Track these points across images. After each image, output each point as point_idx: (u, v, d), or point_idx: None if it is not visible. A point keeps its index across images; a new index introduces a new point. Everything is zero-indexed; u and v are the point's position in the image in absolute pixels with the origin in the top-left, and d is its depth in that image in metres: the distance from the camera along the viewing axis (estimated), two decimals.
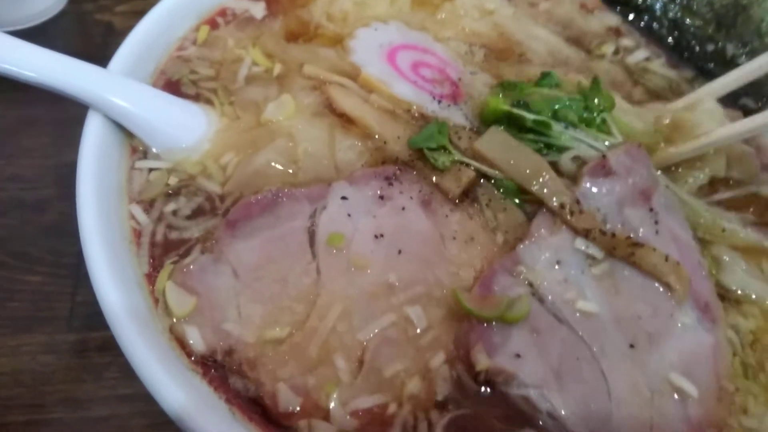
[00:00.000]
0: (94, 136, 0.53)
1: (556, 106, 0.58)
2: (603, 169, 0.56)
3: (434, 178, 0.57)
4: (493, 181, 0.57)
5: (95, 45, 0.99)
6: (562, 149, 0.57)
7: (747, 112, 0.76)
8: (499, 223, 0.56)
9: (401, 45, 0.72)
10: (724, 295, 0.58)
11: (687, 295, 0.52)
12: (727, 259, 0.60)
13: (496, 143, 0.56)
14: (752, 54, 0.77)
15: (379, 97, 0.64)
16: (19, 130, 0.88)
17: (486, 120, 0.62)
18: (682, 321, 0.51)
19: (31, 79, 0.53)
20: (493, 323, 0.48)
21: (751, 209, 0.65)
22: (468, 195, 0.58)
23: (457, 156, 0.57)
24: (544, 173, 0.54)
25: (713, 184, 0.64)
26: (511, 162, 0.55)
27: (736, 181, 0.66)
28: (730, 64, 0.77)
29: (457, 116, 0.65)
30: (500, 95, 0.59)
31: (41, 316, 0.72)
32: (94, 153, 0.52)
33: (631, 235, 0.54)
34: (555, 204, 0.54)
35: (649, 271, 0.53)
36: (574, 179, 0.57)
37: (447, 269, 0.53)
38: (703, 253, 0.60)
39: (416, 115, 0.64)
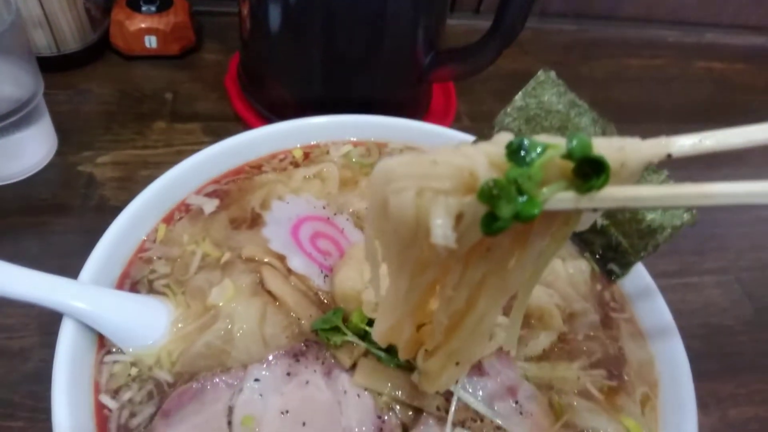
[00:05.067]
0: (67, 339, 0.66)
1: None
2: (478, 371, 0.71)
3: (333, 351, 0.71)
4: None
5: (78, 195, 1.16)
6: None
7: (612, 279, 0.94)
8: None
9: (306, 217, 0.88)
10: None
11: None
12: (576, 404, 0.73)
13: (369, 373, 0.69)
14: (617, 225, 0.94)
15: (296, 278, 0.80)
16: None
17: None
18: None
19: (3, 296, 0.65)
20: None
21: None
22: None
23: (349, 336, 0.71)
24: (411, 390, 0.67)
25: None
26: (388, 385, 0.68)
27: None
28: (600, 232, 0.96)
29: None
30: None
31: None
32: (68, 352, 0.65)
33: (498, 422, 0.67)
34: (432, 409, 0.67)
35: None
36: None
37: None
38: (559, 402, 0.75)
39: (311, 293, 0.78)
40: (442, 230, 0.38)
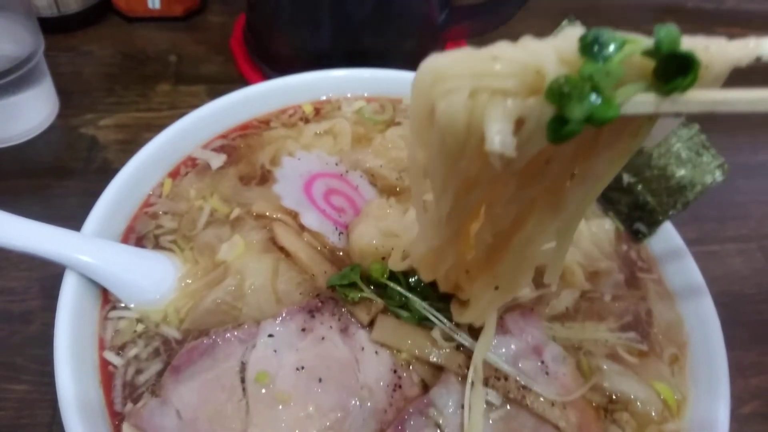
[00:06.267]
0: (70, 293, 0.62)
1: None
2: (501, 329, 0.66)
3: (349, 308, 0.67)
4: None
5: (80, 158, 1.11)
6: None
7: (638, 238, 0.88)
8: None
9: (319, 173, 0.83)
10: (610, 401, 0.67)
11: None
12: (605, 367, 0.69)
13: (389, 330, 0.65)
14: (644, 183, 0.91)
15: (309, 234, 0.75)
16: None
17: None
18: None
19: (4, 246, 0.61)
20: None
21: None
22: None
23: (367, 292, 0.67)
24: (432, 347, 0.64)
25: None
26: (408, 342, 0.64)
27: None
28: (626, 190, 0.91)
29: None
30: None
31: (23, 424, 0.79)
32: (71, 307, 0.61)
33: (522, 381, 0.63)
34: (453, 366, 0.63)
35: (540, 414, 0.61)
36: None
37: (359, 393, 0.61)
38: (588, 364, 0.71)
39: (325, 250, 0.74)
40: (500, 136, 0.33)
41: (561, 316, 0.74)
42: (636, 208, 0.88)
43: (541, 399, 0.63)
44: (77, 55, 1.32)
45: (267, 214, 0.78)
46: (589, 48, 0.33)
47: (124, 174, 0.74)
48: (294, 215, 0.78)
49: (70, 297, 0.63)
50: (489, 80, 0.34)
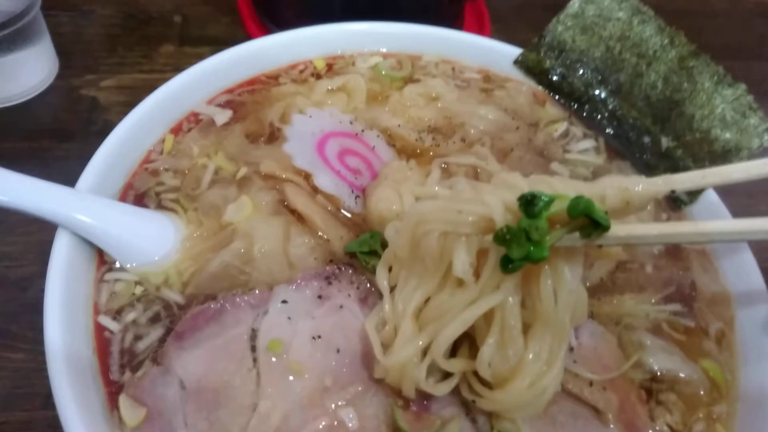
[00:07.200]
0: (62, 254, 0.56)
1: None
2: None
3: (369, 276, 0.61)
4: None
5: (81, 119, 1.05)
6: None
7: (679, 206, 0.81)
8: None
9: (332, 132, 0.76)
10: (654, 379, 0.61)
11: (615, 421, 0.55)
12: (648, 342, 0.63)
13: None
14: (685, 147, 0.83)
15: (323, 197, 0.68)
16: (3, 209, 0.95)
17: None
18: None
19: None
20: None
21: None
22: None
23: None
24: None
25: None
26: None
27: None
28: (664, 155, 0.84)
29: None
30: None
31: (20, 393, 0.75)
32: (63, 268, 0.55)
33: None
34: None
35: (576, 395, 0.56)
36: None
37: None
38: (630, 339, 0.66)
39: (340, 214, 0.68)
40: (461, 265, 0.48)
41: (597, 289, 0.67)
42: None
43: (578, 379, 0.57)
44: (78, 14, 1.24)
45: (277, 174, 0.71)
46: (525, 206, 0.45)
47: (122, 128, 0.68)
48: (306, 176, 0.71)
49: (62, 258, 0.57)
50: (454, 226, 0.49)
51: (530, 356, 0.49)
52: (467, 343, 0.54)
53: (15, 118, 1.05)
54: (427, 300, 0.53)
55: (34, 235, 0.90)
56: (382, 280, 0.56)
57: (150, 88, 1.12)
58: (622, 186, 0.47)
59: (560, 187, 0.51)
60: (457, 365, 0.52)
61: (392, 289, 0.56)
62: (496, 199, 0.48)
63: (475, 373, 0.52)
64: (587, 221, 0.45)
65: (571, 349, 0.58)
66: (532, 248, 0.44)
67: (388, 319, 0.54)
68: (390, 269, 0.58)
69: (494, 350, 0.49)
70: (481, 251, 0.49)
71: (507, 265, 0.46)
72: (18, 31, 1.00)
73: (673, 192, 0.51)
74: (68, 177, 0.66)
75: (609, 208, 0.47)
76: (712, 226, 0.48)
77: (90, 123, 1.05)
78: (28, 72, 1.08)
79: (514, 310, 0.48)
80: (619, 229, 0.46)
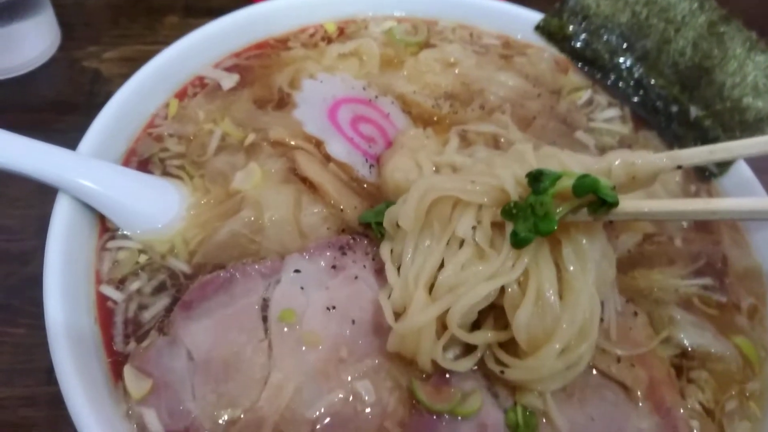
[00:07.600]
0: (62, 220, 0.53)
1: None
2: None
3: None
4: None
5: (83, 92, 1.02)
6: None
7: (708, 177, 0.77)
8: None
9: (344, 98, 0.72)
10: (684, 356, 0.58)
11: (644, 398, 0.52)
12: (679, 317, 0.59)
13: None
14: (715, 116, 0.79)
15: (335, 165, 0.65)
16: (3, 180, 0.92)
17: None
18: (639, 426, 0.50)
19: None
20: (444, 415, 0.48)
21: None
22: None
23: None
24: None
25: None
26: None
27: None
28: (693, 125, 0.80)
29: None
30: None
31: (21, 369, 0.72)
32: (63, 235, 0.53)
33: None
34: None
35: (603, 371, 0.53)
36: None
37: None
38: (660, 314, 0.63)
39: (354, 183, 0.65)
40: (463, 227, 0.50)
41: (625, 263, 0.63)
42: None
43: (605, 354, 0.54)
44: None
45: (287, 141, 0.67)
46: (532, 182, 0.48)
47: (125, 91, 0.64)
48: (318, 143, 0.67)
49: (62, 224, 0.54)
50: (468, 195, 0.50)
51: (564, 324, 0.46)
52: (492, 315, 0.51)
53: (17, 89, 1.02)
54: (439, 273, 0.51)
55: (35, 208, 0.86)
56: (386, 250, 0.55)
57: None
58: (628, 161, 0.48)
59: (569, 163, 0.52)
60: (481, 337, 0.49)
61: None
62: (509, 173, 0.50)
63: (501, 345, 0.49)
64: (595, 198, 0.46)
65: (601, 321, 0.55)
66: (539, 223, 0.46)
67: (396, 287, 0.52)
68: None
69: (531, 312, 0.47)
70: (500, 226, 0.50)
71: (515, 239, 0.47)
72: (19, 0, 0.96)
73: (679, 167, 0.50)
74: (70, 149, 0.63)
75: (615, 183, 0.48)
76: (724, 204, 0.47)
77: (92, 95, 1.02)
78: (30, 43, 1.04)
79: (549, 276, 0.46)
80: (627, 205, 0.47)
